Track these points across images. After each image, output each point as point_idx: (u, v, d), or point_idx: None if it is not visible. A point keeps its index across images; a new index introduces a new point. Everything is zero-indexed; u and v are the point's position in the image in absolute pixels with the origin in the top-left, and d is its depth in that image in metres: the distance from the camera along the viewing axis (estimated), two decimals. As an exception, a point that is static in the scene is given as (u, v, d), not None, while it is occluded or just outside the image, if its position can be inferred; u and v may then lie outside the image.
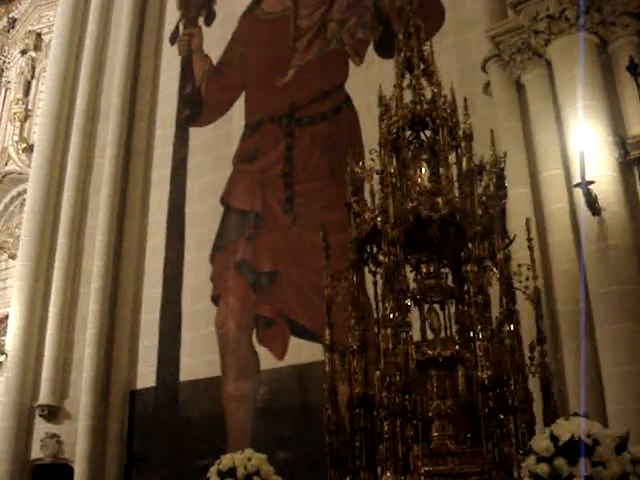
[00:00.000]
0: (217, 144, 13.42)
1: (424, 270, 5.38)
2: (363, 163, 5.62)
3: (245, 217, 12.60)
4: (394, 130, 5.44)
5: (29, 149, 16.45)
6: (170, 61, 14.94)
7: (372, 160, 5.51)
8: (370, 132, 9.70)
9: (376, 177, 5.42)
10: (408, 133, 5.50)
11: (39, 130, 15.52)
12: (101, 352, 12.70)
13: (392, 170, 5.25)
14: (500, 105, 9.53)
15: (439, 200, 5.13)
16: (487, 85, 9.90)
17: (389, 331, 4.83)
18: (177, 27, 15.15)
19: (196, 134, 13.95)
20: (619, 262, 7.85)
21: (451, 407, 5.05)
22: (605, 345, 7.68)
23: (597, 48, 8.75)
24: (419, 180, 5.33)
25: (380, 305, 5.14)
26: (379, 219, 5.18)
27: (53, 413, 12.77)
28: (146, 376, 12.70)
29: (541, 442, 3.97)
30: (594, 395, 7.63)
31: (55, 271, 13.71)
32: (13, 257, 15.36)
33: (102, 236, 13.55)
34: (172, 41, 15.10)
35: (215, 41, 14.32)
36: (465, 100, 5.53)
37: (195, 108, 14.16)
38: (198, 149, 13.75)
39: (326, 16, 12.80)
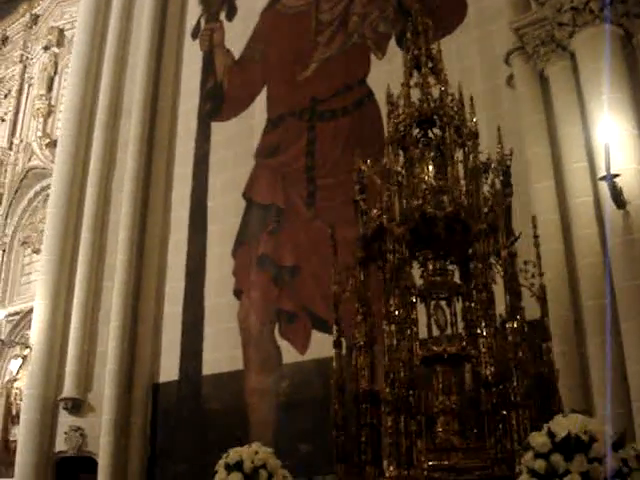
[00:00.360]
0: (239, 139, 13.44)
1: (430, 267, 5.40)
2: (371, 161, 5.63)
3: (267, 211, 12.62)
4: (401, 128, 5.45)
5: (52, 144, 16.58)
6: (192, 56, 14.98)
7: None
8: (392, 126, 9.67)
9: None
10: (416, 131, 5.51)
11: (62, 125, 15.62)
12: (124, 346, 12.77)
13: (398, 168, 5.26)
14: (524, 98, 9.48)
15: (444, 198, 5.15)
16: (510, 78, 9.86)
17: (393, 327, 4.87)
18: (199, 22, 15.18)
19: (218, 129, 13.97)
20: (645, 255, 7.79)
21: (456, 403, 5.08)
22: (630, 340, 7.61)
23: (621, 40, 8.68)
24: (426, 178, 5.35)
25: (386, 302, 5.13)
26: (385, 217, 5.20)
27: (77, 406, 12.86)
28: (169, 369, 12.76)
29: (538, 438, 3.99)
30: (620, 391, 7.57)
31: (79, 265, 13.79)
32: (37, 252, 15.50)
33: (125, 231, 13.61)
34: (194, 36, 15.14)
35: (236, 36, 14.34)
36: (471, 98, 5.53)
37: (217, 103, 14.19)
38: (220, 144, 13.78)
39: (348, 10, 12.77)
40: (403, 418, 4.62)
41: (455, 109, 5.47)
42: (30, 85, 19.11)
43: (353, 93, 12.15)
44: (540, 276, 5.14)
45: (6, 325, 16.27)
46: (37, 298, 13.88)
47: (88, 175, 14.53)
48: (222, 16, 14.76)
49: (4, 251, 17.26)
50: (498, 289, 5.07)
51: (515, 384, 4.71)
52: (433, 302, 5.34)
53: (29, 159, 17.58)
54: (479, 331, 4.93)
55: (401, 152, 5.41)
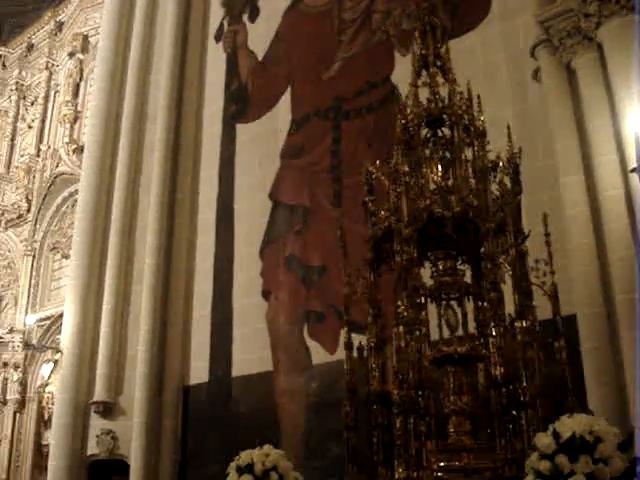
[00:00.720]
0: (264, 140, 13.43)
1: (441, 267, 5.35)
2: (380, 162, 5.60)
3: (293, 212, 12.60)
4: (410, 128, 5.41)
5: (79, 150, 16.73)
6: (215, 58, 15.00)
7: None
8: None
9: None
10: (425, 131, 5.46)
11: (88, 131, 15.72)
12: (154, 349, 12.81)
13: (406, 169, 5.22)
14: (550, 91, 9.35)
15: (452, 198, 5.09)
16: (537, 71, 9.72)
17: (402, 329, 4.84)
18: (221, 24, 15.20)
19: (243, 130, 13.98)
20: (677, 248, 7.66)
21: (468, 403, 5.03)
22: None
23: (649, 30, 8.54)
24: (434, 178, 5.30)
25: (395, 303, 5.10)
26: (393, 218, 5.17)
27: (108, 410, 12.92)
28: (199, 372, 12.79)
29: (543, 439, 3.94)
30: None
31: (107, 270, 13.87)
32: (66, 257, 15.63)
33: (153, 235, 13.66)
34: (217, 39, 15.16)
35: (260, 37, 14.34)
36: (478, 97, 5.46)
37: (241, 104, 14.19)
38: (245, 145, 13.79)
39: (370, 7, 12.71)
40: (412, 419, 4.60)
41: (464, 108, 5.41)
42: (56, 92, 19.33)
43: (378, 91, 12.08)
44: (552, 274, 5.04)
45: (37, 330, 16.44)
46: (67, 303, 13.98)
47: (115, 180, 14.61)
48: (245, 18, 14.77)
49: (34, 257, 17.45)
50: (510, 289, 5.01)
51: (524, 384, 4.66)
52: (444, 302, 5.30)
53: (57, 165, 17.77)
54: (489, 331, 4.89)
55: (409, 152, 5.37)
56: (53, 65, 19.55)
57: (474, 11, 11.15)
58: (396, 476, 4.76)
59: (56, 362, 14.43)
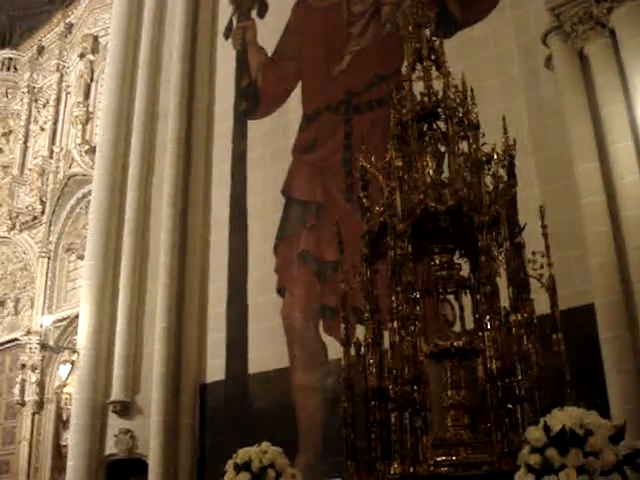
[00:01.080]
0: (276, 136, 13.40)
1: (437, 261, 5.31)
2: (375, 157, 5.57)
3: (307, 207, 12.56)
4: (404, 122, 5.37)
5: (92, 151, 16.72)
6: (225, 56, 14.98)
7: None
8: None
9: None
10: (419, 125, 5.40)
11: (100, 132, 15.75)
12: (170, 347, 12.80)
13: (399, 163, 5.17)
14: (563, 78, 9.25)
15: (446, 192, 5.04)
16: (549, 59, 9.62)
17: (396, 324, 4.81)
18: (230, 21, 15.18)
19: (254, 127, 13.95)
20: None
21: (466, 397, 5.00)
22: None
23: (662, 13, 8.44)
24: (428, 172, 5.25)
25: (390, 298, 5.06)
26: (387, 213, 5.13)
27: (126, 409, 12.94)
28: (215, 370, 12.77)
29: (534, 432, 3.90)
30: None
31: (122, 269, 13.89)
32: (81, 258, 15.63)
33: (166, 233, 13.66)
34: (226, 35, 15.14)
35: (269, 33, 14.30)
36: (472, 90, 5.41)
37: (252, 101, 14.16)
38: (257, 142, 13.76)
39: (380, 0, 12.64)
40: (408, 414, 4.58)
41: (458, 101, 5.37)
42: (68, 93, 19.36)
43: (388, 83, 11.99)
44: (549, 266, 5.00)
45: (54, 331, 16.48)
46: (82, 303, 14.01)
47: (128, 179, 14.63)
48: (253, 14, 14.74)
49: (49, 258, 17.49)
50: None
51: (520, 378, 4.64)
52: (440, 297, 5.25)
53: (70, 166, 17.80)
54: (484, 324, 4.85)
55: (403, 147, 5.34)
56: (64, 67, 19.58)
57: (484, 0, 11.07)
58: (391, 472, 4.74)
59: (73, 363, 14.46)
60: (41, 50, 20.63)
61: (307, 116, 13.12)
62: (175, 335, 12.96)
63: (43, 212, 18.12)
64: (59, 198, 17.76)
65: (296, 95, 13.42)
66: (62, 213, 17.67)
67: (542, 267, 5.00)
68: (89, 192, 15.77)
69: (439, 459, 4.65)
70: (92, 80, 18.40)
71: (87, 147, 17.40)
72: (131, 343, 13.30)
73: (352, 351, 5.35)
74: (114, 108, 15.29)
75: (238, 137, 14.12)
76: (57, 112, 19.36)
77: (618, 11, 8.55)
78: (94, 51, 18.57)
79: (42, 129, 19.71)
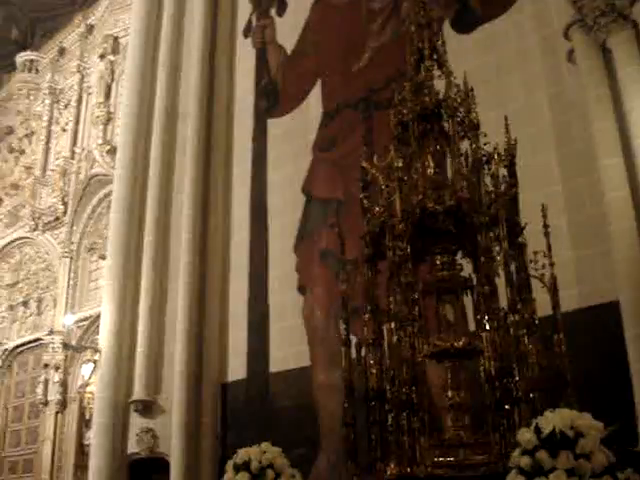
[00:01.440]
0: (296, 134, 13.36)
1: (438, 261, 5.30)
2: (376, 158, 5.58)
3: (327, 205, 12.50)
4: (405, 122, 5.38)
5: (113, 151, 16.76)
6: (245, 54, 14.98)
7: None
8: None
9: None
10: (420, 125, 5.37)
11: (121, 132, 15.79)
12: (192, 346, 12.80)
13: (399, 164, 5.15)
14: (586, 72, 9.13)
15: (445, 192, 5.03)
16: (571, 53, 9.50)
17: (393, 325, 4.83)
18: (250, 20, 15.17)
19: (274, 125, 13.92)
20: None
21: (465, 398, 4.99)
22: None
23: (687, 4, 8.31)
24: (428, 172, 5.26)
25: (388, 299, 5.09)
26: (386, 214, 5.14)
27: (147, 408, 12.96)
28: (237, 369, 12.77)
29: (526, 434, 3.89)
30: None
31: (143, 269, 13.93)
32: (103, 257, 15.66)
33: (187, 233, 13.66)
34: (246, 34, 15.13)
35: (288, 30, 14.27)
36: (472, 89, 5.38)
37: (272, 99, 14.14)
38: (277, 140, 13.73)
39: (399, -4, 12.57)
40: (406, 415, 4.58)
41: (459, 100, 5.35)
42: (89, 94, 19.43)
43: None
44: (551, 266, 4.94)
45: (76, 331, 16.54)
46: (104, 303, 14.05)
47: (148, 179, 14.66)
48: (272, 12, 14.72)
49: (71, 259, 17.56)
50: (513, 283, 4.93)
51: (517, 378, 4.61)
52: (441, 297, 5.25)
53: (91, 167, 17.85)
54: (483, 325, 4.84)
55: (404, 148, 5.31)
56: (85, 68, 19.65)
57: (505, -5, 10.96)
58: (388, 472, 4.72)
59: (96, 362, 14.49)
60: (62, 52, 20.71)
61: (327, 114, 13.06)
62: (196, 334, 12.96)
63: (65, 212, 18.18)
64: (81, 198, 17.83)
65: (316, 93, 13.37)
66: (84, 213, 17.74)
67: (544, 267, 4.96)
68: (111, 192, 15.79)
69: (436, 460, 4.64)
70: (112, 80, 18.44)
71: (108, 147, 17.43)
72: (152, 342, 13.32)
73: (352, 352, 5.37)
74: (134, 108, 15.34)
75: (258, 136, 14.10)
76: (78, 113, 19.43)
77: (641, 3, 8.42)
78: (114, 52, 18.61)
79: (64, 130, 19.80)
